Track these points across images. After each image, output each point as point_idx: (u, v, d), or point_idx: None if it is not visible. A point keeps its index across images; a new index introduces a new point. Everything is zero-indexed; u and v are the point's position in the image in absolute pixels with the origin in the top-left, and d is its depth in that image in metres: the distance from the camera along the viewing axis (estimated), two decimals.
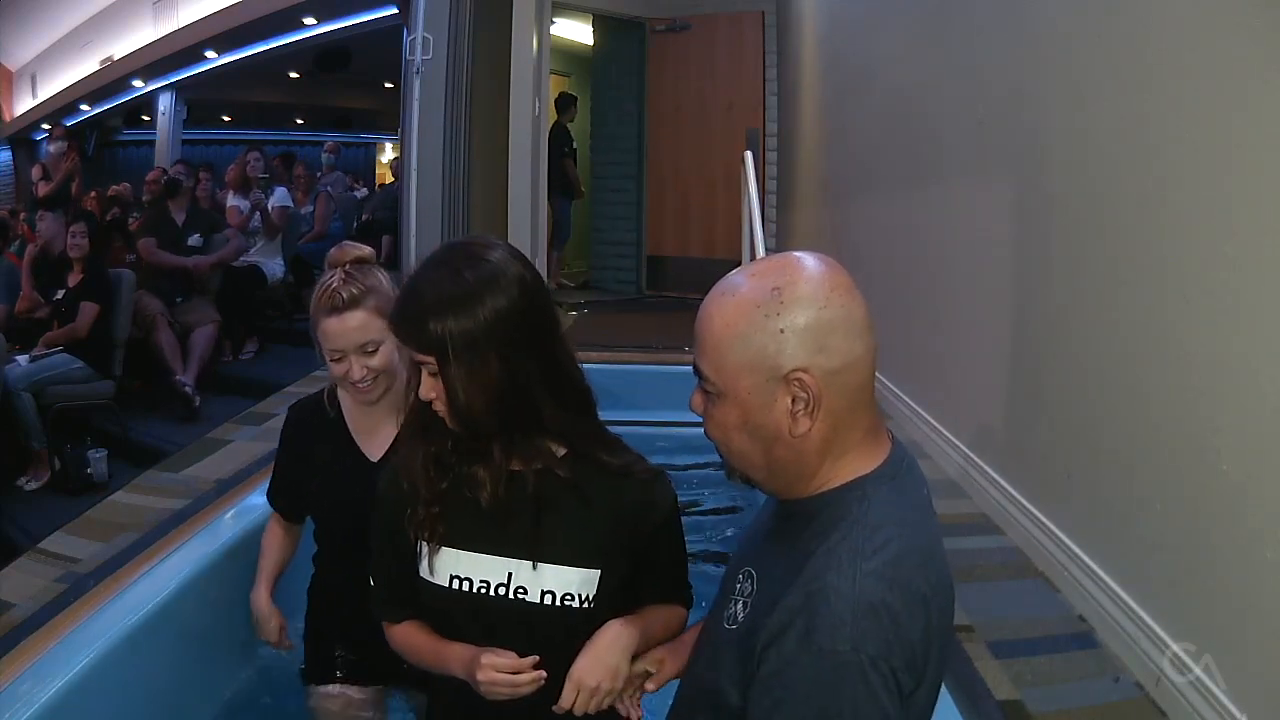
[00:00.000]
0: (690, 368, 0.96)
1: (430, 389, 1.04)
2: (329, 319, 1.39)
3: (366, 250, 1.47)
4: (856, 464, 0.91)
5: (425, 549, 1.12)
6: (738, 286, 0.90)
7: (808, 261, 0.90)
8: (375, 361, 1.41)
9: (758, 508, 1.12)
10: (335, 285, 1.39)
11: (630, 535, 1.14)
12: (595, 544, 1.11)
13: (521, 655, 1.07)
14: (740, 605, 0.96)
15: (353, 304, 1.38)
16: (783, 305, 0.86)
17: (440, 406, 1.05)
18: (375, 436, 1.51)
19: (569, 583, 1.10)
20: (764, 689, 0.85)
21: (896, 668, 0.82)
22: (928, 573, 0.87)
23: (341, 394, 1.53)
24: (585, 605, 1.11)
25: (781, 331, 0.86)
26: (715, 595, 1.07)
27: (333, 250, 1.46)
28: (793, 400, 0.87)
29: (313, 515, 1.59)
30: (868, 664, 0.80)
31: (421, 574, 1.13)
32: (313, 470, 1.53)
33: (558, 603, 1.10)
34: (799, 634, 0.83)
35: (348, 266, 1.42)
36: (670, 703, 1.12)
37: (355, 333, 1.39)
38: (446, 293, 1.01)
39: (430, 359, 1.02)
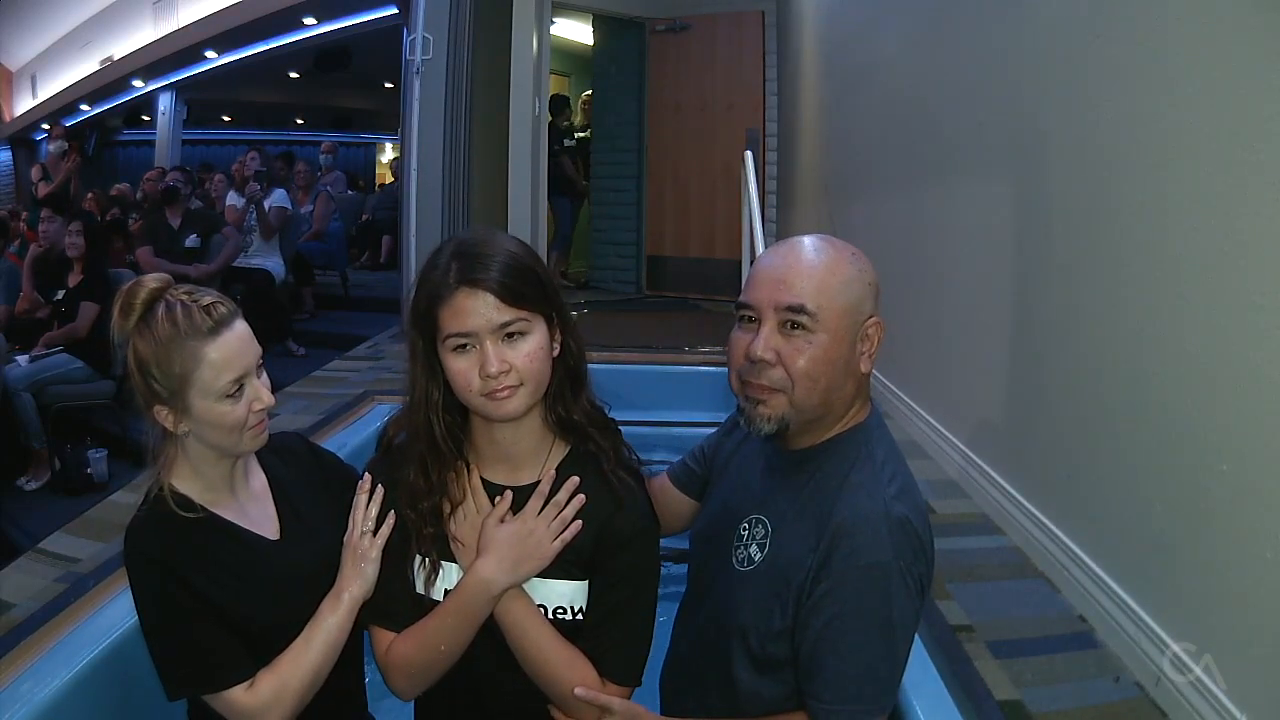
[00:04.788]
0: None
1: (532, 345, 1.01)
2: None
3: None
4: (859, 413, 1.08)
5: (425, 564, 1.09)
6: (826, 245, 1.05)
7: None
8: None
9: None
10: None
11: (605, 552, 1.08)
12: (583, 554, 1.07)
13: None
14: (755, 549, 1.08)
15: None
16: (865, 264, 1.05)
17: (531, 367, 1.01)
18: (249, 507, 1.19)
19: (560, 595, 1.08)
20: (817, 609, 0.99)
21: (921, 573, 1.00)
22: (921, 498, 1.05)
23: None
24: (576, 618, 1.08)
25: (870, 284, 1.04)
26: (702, 551, 1.19)
27: None
28: (862, 340, 1.04)
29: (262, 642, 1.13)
30: (906, 569, 0.97)
31: (418, 589, 1.10)
32: (234, 594, 1.10)
33: (549, 616, 1.07)
34: (844, 555, 0.97)
35: None
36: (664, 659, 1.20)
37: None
38: (527, 257, 1.04)
39: (537, 317, 1.02)
